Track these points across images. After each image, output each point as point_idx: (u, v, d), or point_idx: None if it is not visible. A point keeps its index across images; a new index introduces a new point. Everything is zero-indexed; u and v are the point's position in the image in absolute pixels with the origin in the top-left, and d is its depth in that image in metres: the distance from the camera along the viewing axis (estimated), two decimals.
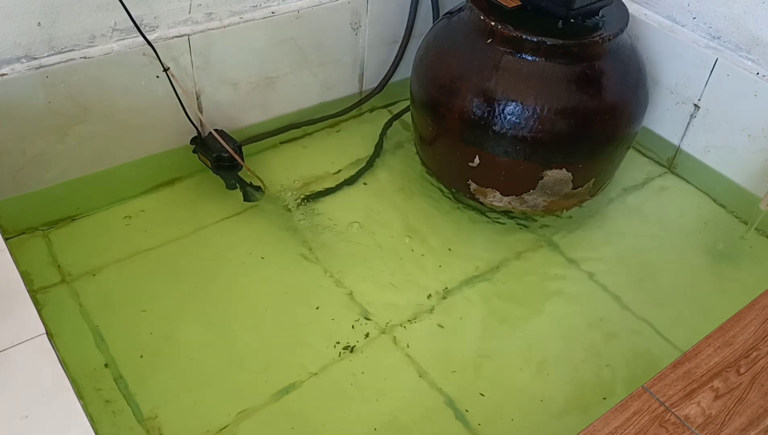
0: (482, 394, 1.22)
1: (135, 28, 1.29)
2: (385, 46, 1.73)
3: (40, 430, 0.77)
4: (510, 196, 1.43)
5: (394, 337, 1.29)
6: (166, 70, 1.36)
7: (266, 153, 1.65)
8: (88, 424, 0.77)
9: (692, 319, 1.37)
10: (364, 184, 1.61)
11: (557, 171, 1.38)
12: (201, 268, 1.37)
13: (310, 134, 1.72)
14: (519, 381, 1.25)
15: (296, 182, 1.58)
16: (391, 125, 1.77)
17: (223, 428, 1.13)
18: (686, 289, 1.43)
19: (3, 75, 1.23)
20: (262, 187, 1.53)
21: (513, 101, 1.31)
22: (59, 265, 1.34)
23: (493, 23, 1.32)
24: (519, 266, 1.45)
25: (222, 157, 1.47)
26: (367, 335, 1.29)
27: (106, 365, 1.19)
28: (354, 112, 1.76)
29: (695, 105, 1.60)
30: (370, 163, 1.66)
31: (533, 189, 1.41)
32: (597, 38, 1.31)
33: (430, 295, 1.38)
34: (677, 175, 1.70)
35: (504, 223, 1.54)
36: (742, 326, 1.00)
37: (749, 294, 1.12)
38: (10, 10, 1.20)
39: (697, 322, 1.35)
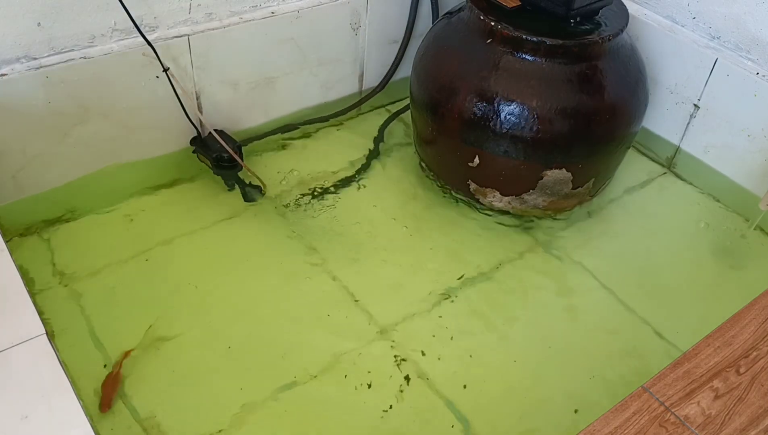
0: (482, 393, 1.22)
1: (135, 28, 1.29)
2: (385, 46, 1.73)
3: (40, 430, 0.77)
4: (510, 196, 1.43)
5: (394, 337, 1.29)
6: (165, 70, 1.36)
7: (266, 153, 1.65)
8: (88, 424, 0.77)
9: (692, 319, 1.37)
10: (364, 184, 1.61)
11: (557, 171, 1.38)
12: (201, 267, 1.37)
13: (310, 134, 1.72)
14: (519, 380, 1.25)
15: (296, 182, 1.58)
16: (388, 125, 1.77)
17: (222, 429, 1.13)
18: (686, 288, 1.43)
19: (3, 75, 1.23)
20: (262, 187, 1.53)
21: (513, 101, 1.31)
22: (59, 265, 1.34)
23: (492, 23, 1.32)
24: (519, 266, 1.45)
25: (222, 157, 1.47)
26: (366, 335, 1.29)
27: (105, 365, 1.19)
28: (354, 111, 1.76)
29: (695, 105, 1.60)
30: (369, 163, 1.66)
31: (533, 189, 1.41)
32: (597, 38, 1.31)
33: (430, 295, 1.38)
34: (677, 174, 1.70)
35: (504, 223, 1.54)
36: (741, 326, 1.00)
37: (749, 294, 1.12)
38: (10, 10, 1.20)
39: (697, 322, 1.35)
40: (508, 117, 1.32)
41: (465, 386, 1.23)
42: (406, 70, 1.71)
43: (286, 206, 1.52)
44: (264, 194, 1.54)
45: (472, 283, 1.41)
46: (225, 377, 1.20)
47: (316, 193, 1.56)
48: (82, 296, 1.29)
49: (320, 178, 1.60)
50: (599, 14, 1.37)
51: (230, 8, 1.44)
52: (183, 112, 1.43)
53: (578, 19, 1.34)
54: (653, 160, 1.74)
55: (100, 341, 1.23)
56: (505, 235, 1.52)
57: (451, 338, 1.30)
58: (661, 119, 1.69)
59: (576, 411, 1.20)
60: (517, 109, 1.31)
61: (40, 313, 0.88)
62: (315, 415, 1.16)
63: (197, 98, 1.49)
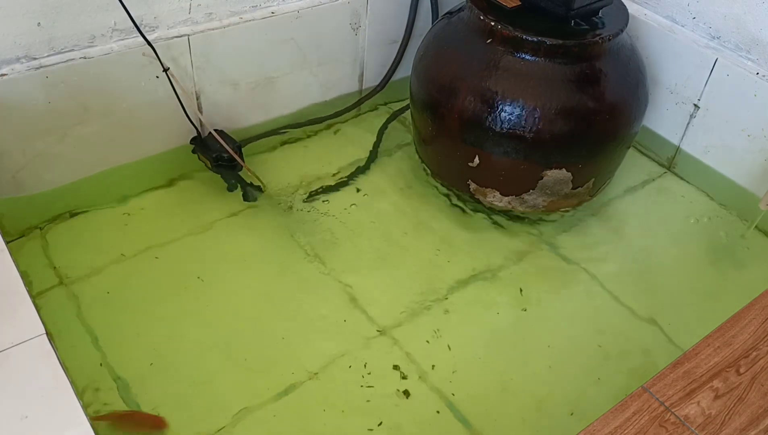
0: (482, 394, 1.22)
1: (135, 28, 1.29)
2: (385, 46, 1.73)
3: (40, 430, 0.77)
4: (510, 196, 1.43)
5: (394, 337, 1.29)
6: (165, 70, 1.36)
7: (266, 153, 1.65)
8: (87, 424, 0.77)
9: (692, 318, 1.37)
10: (363, 184, 1.61)
11: (557, 171, 1.38)
12: (200, 267, 1.37)
13: (310, 134, 1.72)
14: (519, 380, 1.25)
15: (296, 182, 1.58)
16: (388, 125, 1.77)
17: (222, 428, 1.13)
18: (686, 288, 1.43)
19: (3, 75, 1.23)
20: (262, 187, 1.53)
21: (513, 101, 1.31)
22: (58, 266, 1.34)
23: (492, 23, 1.32)
24: (519, 267, 1.45)
25: (222, 157, 1.47)
26: (366, 335, 1.29)
27: (104, 365, 1.19)
28: (354, 112, 1.76)
29: (695, 105, 1.60)
30: (369, 163, 1.66)
31: (533, 189, 1.41)
32: (597, 38, 1.31)
33: (430, 295, 1.38)
34: (677, 175, 1.70)
35: (504, 224, 1.54)
36: (741, 326, 1.00)
37: (749, 294, 1.12)
38: (10, 10, 1.20)
39: (697, 321, 1.35)
40: (508, 117, 1.32)
41: (465, 387, 1.23)
42: (405, 70, 1.71)
43: (286, 206, 1.52)
44: (264, 194, 1.54)
45: (472, 283, 1.41)
46: (225, 376, 1.20)
47: (315, 193, 1.56)
48: (82, 296, 1.29)
49: (320, 178, 1.60)
50: (599, 14, 1.37)
51: (230, 8, 1.44)
52: (183, 112, 1.43)
53: (578, 19, 1.34)
54: (653, 160, 1.74)
55: (100, 341, 1.23)
56: (505, 235, 1.52)
57: (451, 339, 1.30)
58: (661, 119, 1.69)
59: (573, 413, 1.20)
60: (517, 109, 1.31)
61: (40, 313, 0.88)
62: (314, 415, 1.16)
63: (197, 98, 1.49)
